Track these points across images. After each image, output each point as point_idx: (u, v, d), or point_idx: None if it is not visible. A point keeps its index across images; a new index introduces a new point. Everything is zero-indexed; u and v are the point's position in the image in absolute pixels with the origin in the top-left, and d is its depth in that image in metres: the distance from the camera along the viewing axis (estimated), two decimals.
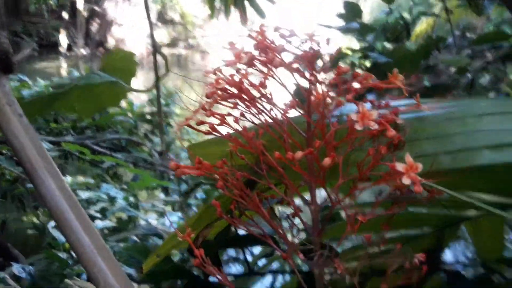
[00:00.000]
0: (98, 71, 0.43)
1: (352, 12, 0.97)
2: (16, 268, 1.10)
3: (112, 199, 1.82)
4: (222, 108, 0.32)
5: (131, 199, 1.94)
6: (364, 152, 0.32)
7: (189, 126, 0.29)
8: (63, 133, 2.44)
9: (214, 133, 0.29)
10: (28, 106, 0.42)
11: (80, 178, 2.56)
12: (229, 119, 0.32)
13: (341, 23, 1.04)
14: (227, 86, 0.28)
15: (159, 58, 0.45)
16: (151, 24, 0.46)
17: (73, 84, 0.42)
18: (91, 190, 1.95)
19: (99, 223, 1.57)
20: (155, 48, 0.44)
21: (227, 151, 0.35)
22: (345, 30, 1.03)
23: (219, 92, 0.28)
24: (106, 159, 2.22)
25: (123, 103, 3.10)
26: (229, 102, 0.31)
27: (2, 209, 3.02)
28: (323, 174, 0.29)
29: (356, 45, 1.11)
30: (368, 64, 0.98)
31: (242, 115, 0.30)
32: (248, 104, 0.30)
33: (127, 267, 0.71)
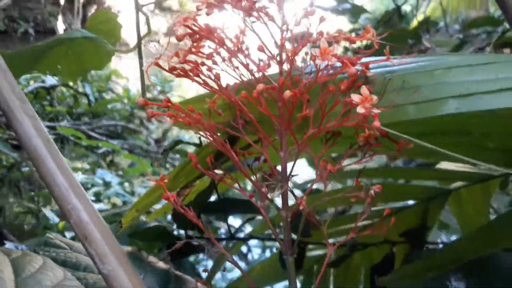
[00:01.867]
0: (81, 30, 0.44)
1: None
2: (9, 246, 1.11)
3: (107, 184, 1.83)
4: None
5: (126, 184, 1.95)
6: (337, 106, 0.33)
7: (159, 66, 0.29)
8: (59, 118, 2.44)
9: (186, 77, 0.30)
10: (10, 60, 0.42)
11: (78, 164, 2.57)
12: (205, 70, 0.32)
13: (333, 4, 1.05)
14: (198, 30, 0.29)
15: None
16: None
17: (55, 39, 0.42)
18: (87, 175, 1.96)
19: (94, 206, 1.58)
20: (137, 7, 0.45)
21: (205, 108, 0.36)
22: (337, 11, 1.03)
23: (189, 36, 0.29)
24: (102, 145, 2.23)
25: (119, 90, 3.11)
26: (203, 53, 0.32)
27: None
28: (293, 123, 0.30)
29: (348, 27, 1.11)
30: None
31: (214, 63, 0.31)
32: (221, 52, 0.31)
33: None
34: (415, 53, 0.34)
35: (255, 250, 2.18)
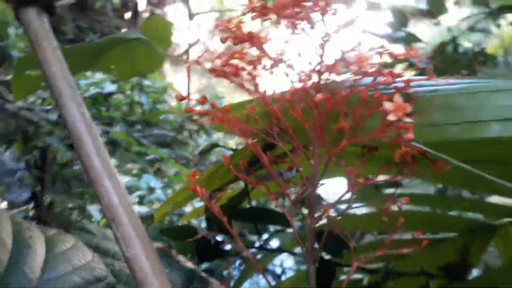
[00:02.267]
0: (134, 31, 0.46)
1: (399, 20, 0.97)
2: None
3: (151, 189, 1.88)
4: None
5: (169, 191, 1.99)
6: (374, 119, 0.32)
7: (200, 64, 0.31)
8: (113, 124, 2.55)
9: (225, 78, 0.31)
10: (69, 54, 0.45)
11: (128, 166, 2.66)
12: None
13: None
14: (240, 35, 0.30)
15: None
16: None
17: (111, 38, 0.45)
18: (134, 180, 2.03)
19: (135, 208, 1.63)
20: (189, 13, 0.46)
21: (244, 114, 0.36)
22: (391, 39, 1.02)
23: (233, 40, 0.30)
24: (151, 152, 2.30)
25: (173, 103, 3.20)
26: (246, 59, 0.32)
27: (51, 191, 3.19)
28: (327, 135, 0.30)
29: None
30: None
31: (255, 69, 0.31)
32: (262, 59, 0.31)
33: None
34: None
35: (289, 273, 2.15)
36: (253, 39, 0.29)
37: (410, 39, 1.00)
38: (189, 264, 0.46)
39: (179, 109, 3.00)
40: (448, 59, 0.88)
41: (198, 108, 0.35)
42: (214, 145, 0.43)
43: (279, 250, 0.56)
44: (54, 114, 2.06)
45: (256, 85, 0.32)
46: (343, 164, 0.33)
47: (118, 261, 0.36)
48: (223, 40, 0.30)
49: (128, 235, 0.27)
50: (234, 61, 0.33)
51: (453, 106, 0.31)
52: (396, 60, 0.34)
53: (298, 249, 0.66)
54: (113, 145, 2.56)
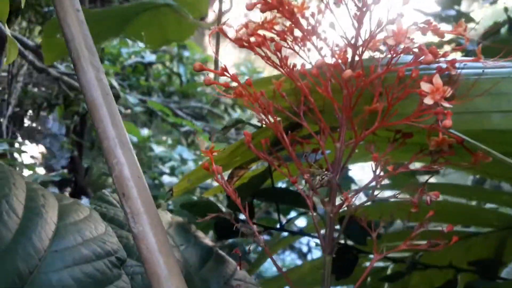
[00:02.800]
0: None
1: None
2: (84, 202, 1.19)
3: (183, 160, 1.89)
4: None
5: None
6: (411, 102, 0.29)
7: (223, 33, 0.28)
8: (151, 93, 2.57)
9: (250, 49, 0.29)
10: (100, 19, 0.44)
11: (163, 138, 2.69)
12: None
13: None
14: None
15: None
16: None
17: (140, 3, 0.43)
18: (167, 149, 2.05)
19: (166, 178, 1.65)
20: None
21: (271, 89, 0.34)
22: (440, 17, 0.96)
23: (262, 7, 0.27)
24: (186, 124, 2.31)
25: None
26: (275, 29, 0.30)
27: (89, 157, 3.29)
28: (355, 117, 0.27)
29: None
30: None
31: (284, 40, 0.29)
32: (293, 31, 0.29)
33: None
34: None
35: (316, 252, 2.14)
36: (283, 6, 0.27)
37: (461, 18, 0.93)
38: (207, 241, 0.45)
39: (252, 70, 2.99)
40: (501, 40, 0.82)
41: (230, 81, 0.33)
42: (238, 121, 0.41)
43: (300, 232, 0.54)
44: None
45: (283, 59, 0.30)
46: (373, 149, 0.31)
47: None
48: (249, 7, 0.27)
49: (137, 210, 0.26)
50: (262, 31, 0.31)
51: (500, 91, 0.28)
52: (442, 39, 0.31)
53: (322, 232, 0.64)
54: (149, 115, 2.59)
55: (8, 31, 0.46)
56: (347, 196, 0.26)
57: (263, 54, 0.29)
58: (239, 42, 0.28)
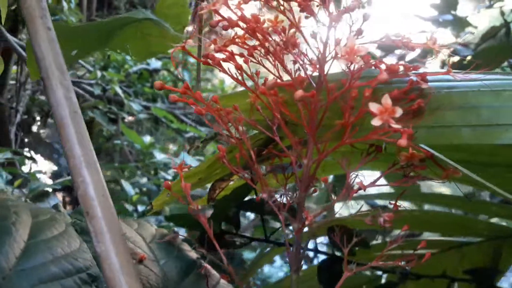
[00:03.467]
0: (144, 10, 0.45)
1: (446, 2, 0.90)
2: None
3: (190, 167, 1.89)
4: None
5: None
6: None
7: (186, 51, 0.28)
8: (156, 99, 2.58)
9: (217, 66, 0.29)
10: (84, 33, 0.44)
11: (170, 145, 2.70)
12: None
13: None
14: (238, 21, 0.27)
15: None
16: None
17: (124, 18, 0.43)
18: (169, 156, 2.05)
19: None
20: None
21: (248, 103, 0.34)
22: (437, 22, 0.96)
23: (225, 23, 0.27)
24: (190, 130, 2.31)
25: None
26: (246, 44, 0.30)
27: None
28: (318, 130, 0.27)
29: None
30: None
31: (251, 54, 0.29)
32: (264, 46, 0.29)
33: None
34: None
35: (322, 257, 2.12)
36: (246, 24, 0.27)
37: (458, 23, 0.93)
38: (192, 254, 0.45)
39: (221, 88, 3.00)
40: (496, 46, 0.81)
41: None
42: (217, 134, 0.41)
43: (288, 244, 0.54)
44: (97, 89, 2.11)
45: (251, 74, 0.30)
46: (345, 163, 0.30)
47: None
48: (213, 24, 0.27)
49: (100, 229, 0.26)
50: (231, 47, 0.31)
51: (469, 105, 0.28)
52: (410, 48, 0.30)
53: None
54: (154, 121, 2.60)
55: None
56: (307, 215, 0.26)
57: (228, 70, 0.28)
58: (204, 60, 0.28)
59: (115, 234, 0.26)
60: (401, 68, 0.30)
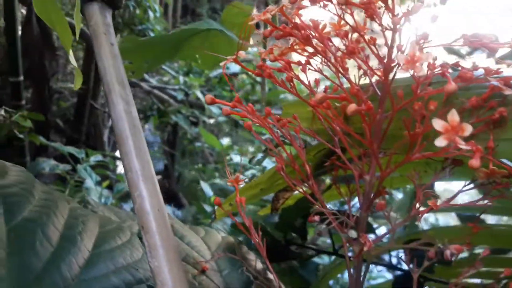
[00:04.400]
0: (209, 21, 0.45)
1: None
2: (169, 209, 1.24)
3: (264, 169, 1.90)
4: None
5: None
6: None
7: (239, 64, 0.27)
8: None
9: (269, 78, 0.27)
10: (154, 45, 0.45)
11: (249, 148, 2.74)
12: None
13: None
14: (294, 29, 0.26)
15: None
16: None
17: (192, 29, 0.44)
18: (247, 158, 2.08)
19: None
20: None
21: (309, 111, 0.33)
22: None
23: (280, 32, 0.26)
24: (265, 132, 2.32)
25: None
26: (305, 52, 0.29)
27: (180, 163, 3.46)
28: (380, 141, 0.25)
29: None
30: None
31: (308, 63, 0.27)
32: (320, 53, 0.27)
33: None
34: None
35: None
36: (299, 32, 0.25)
37: None
38: (258, 264, 0.44)
39: (299, 90, 2.98)
40: None
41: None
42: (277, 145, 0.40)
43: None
44: (180, 94, 2.19)
45: (316, 83, 0.28)
46: (414, 179, 0.28)
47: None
48: (266, 34, 0.26)
49: (154, 244, 0.26)
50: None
51: None
52: (490, 50, 0.27)
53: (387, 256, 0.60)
54: (234, 124, 2.65)
55: (73, 62, 0.49)
56: (365, 239, 0.24)
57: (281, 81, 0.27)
58: (256, 72, 0.27)
59: (169, 249, 0.26)
60: (480, 71, 0.27)
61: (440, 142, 0.19)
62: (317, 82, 0.30)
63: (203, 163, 2.70)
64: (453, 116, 0.19)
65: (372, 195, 0.26)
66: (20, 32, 1.41)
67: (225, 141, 1.82)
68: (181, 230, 0.43)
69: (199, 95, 2.06)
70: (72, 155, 1.32)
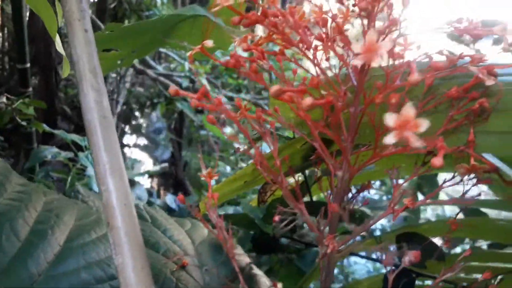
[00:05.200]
0: (195, 6, 0.43)
1: None
2: (168, 199, 1.24)
3: None
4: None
5: None
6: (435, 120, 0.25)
7: (210, 57, 0.26)
8: (241, 90, 2.62)
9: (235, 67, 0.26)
10: (141, 32, 0.44)
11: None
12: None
13: None
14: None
15: None
16: None
17: (178, 15, 0.42)
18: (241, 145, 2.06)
19: None
20: None
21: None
22: None
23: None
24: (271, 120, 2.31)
25: (299, 70, 3.17)
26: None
27: (188, 151, 3.46)
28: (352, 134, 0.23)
29: None
30: None
31: (282, 52, 0.26)
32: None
33: None
34: None
35: None
36: (268, 19, 0.24)
37: None
38: (244, 258, 0.43)
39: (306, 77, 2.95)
40: None
41: None
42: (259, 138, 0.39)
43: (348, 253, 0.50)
44: (185, 81, 2.18)
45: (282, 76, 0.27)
46: (392, 174, 0.26)
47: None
48: (234, 22, 0.25)
49: (119, 240, 0.25)
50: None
51: None
52: (474, 36, 0.25)
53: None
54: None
55: (61, 50, 0.48)
56: (330, 241, 0.23)
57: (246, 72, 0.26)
58: (224, 62, 0.26)
59: (135, 246, 0.25)
60: (466, 60, 0.25)
61: (389, 139, 0.17)
62: (294, 72, 0.29)
63: (209, 152, 2.70)
64: (408, 110, 0.18)
65: (343, 191, 0.25)
66: (27, 19, 1.41)
67: (227, 130, 1.80)
68: (164, 223, 0.42)
69: (204, 82, 2.05)
70: (76, 143, 1.32)
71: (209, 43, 0.26)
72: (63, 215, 0.32)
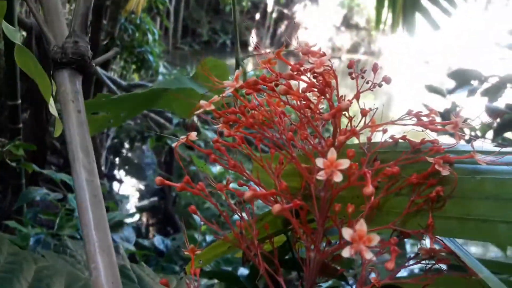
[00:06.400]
0: (186, 76, 0.46)
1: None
2: (156, 240, 1.25)
3: None
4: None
5: None
6: (399, 201, 0.27)
7: (194, 146, 0.29)
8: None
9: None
10: (132, 99, 0.46)
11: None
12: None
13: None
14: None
15: None
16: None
17: (157, 89, 0.45)
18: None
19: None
20: (238, 60, 0.45)
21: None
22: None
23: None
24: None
25: None
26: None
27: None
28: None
29: None
30: None
31: (260, 140, 0.29)
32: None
33: None
34: None
35: None
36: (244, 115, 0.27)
37: None
38: None
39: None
40: None
41: None
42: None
43: None
44: (177, 118, 2.21)
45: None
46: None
47: None
48: (217, 116, 0.28)
49: None
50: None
51: (508, 196, 0.25)
52: (432, 130, 0.28)
53: None
54: (228, 149, 2.66)
55: (54, 112, 0.50)
56: None
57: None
58: (207, 151, 0.28)
59: None
60: (428, 145, 0.28)
61: (346, 252, 0.20)
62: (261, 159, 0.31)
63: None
64: (362, 226, 0.20)
65: (314, 273, 0.27)
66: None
67: (216, 168, 1.82)
68: (151, 283, 0.43)
69: (195, 119, 2.08)
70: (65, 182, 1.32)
71: (193, 135, 0.29)
72: (53, 284, 0.34)
